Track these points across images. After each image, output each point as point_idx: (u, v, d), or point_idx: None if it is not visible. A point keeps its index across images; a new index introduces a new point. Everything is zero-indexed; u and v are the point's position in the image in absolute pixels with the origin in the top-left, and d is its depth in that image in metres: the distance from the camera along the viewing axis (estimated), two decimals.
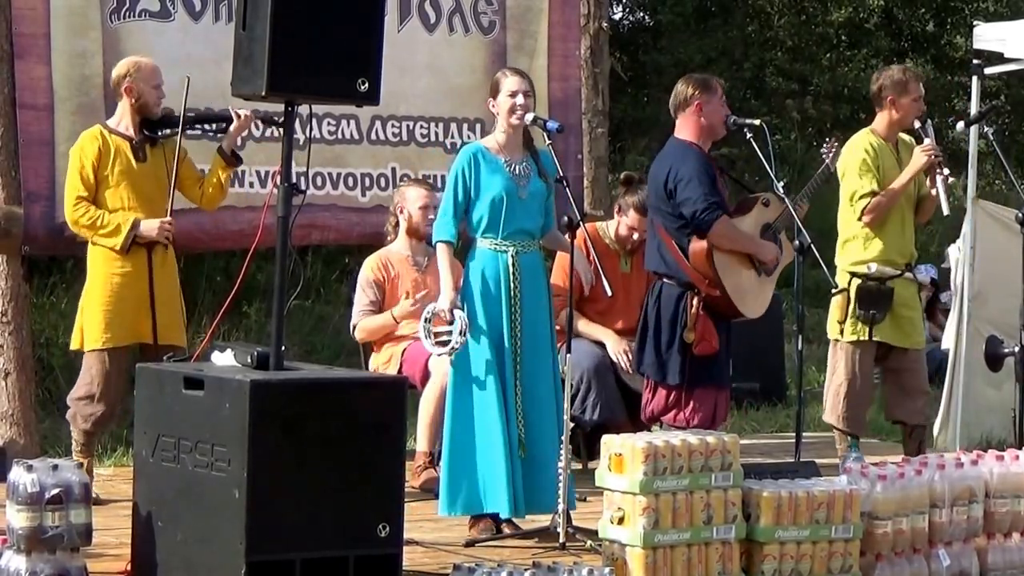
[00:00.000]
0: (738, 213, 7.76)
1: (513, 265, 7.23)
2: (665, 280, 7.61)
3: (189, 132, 8.07)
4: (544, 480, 7.13)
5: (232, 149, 8.05)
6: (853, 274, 8.45)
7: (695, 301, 7.53)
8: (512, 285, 7.23)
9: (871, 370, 8.51)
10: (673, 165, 7.54)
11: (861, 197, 8.40)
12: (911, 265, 8.59)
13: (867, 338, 8.40)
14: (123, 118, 7.92)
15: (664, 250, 7.61)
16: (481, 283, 7.24)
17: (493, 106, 7.36)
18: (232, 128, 7.99)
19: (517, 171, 7.31)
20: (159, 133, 7.93)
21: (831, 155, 8.37)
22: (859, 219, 8.41)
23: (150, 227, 7.78)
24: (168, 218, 7.79)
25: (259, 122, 8.05)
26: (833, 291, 8.38)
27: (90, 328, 7.85)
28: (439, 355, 7.40)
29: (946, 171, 8.36)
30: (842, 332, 8.46)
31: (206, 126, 8.22)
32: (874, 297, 8.38)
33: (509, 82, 7.34)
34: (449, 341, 7.14)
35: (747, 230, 7.72)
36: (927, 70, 19.80)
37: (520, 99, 7.29)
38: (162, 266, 7.88)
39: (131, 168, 7.85)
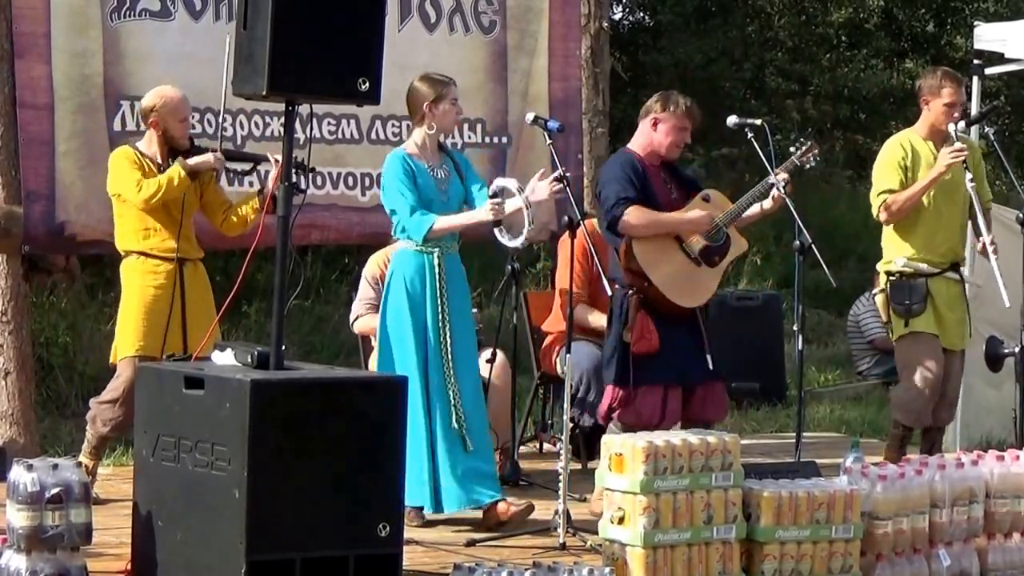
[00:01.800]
0: (671, 208, 7.78)
1: (439, 266, 7.37)
2: (615, 284, 7.67)
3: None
4: (482, 471, 7.37)
5: (274, 196, 7.95)
6: (888, 273, 8.45)
7: (633, 300, 7.59)
8: (439, 285, 7.38)
9: (933, 362, 8.39)
10: (602, 172, 7.70)
11: (879, 194, 8.38)
12: (957, 266, 8.55)
13: (906, 329, 8.39)
14: (151, 145, 7.93)
15: (611, 254, 7.72)
16: (406, 285, 7.39)
17: (431, 110, 7.46)
18: (273, 175, 7.76)
19: (439, 175, 7.50)
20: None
21: (800, 153, 7.95)
22: (877, 216, 8.39)
23: (203, 159, 7.82)
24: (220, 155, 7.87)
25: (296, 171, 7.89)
26: (874, 292, 8.42)
27: (122, 337, 7.87)
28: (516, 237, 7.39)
29: (968, 175, 8.32)
30: (891, 331, 8.47)
31: (234, 164, 8.17)
32: (905, 290, 8.37)
33: (455, 91, 7.52)
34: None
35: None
36: (927, 71, 19.78)
37: (460, 108, 7.58)
38: (193, 280, 7.89)
39: None
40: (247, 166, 8.23)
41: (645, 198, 7.66)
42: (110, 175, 7.89)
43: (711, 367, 7.70)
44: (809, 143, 7.97)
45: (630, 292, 7.62)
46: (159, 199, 7.75)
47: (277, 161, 7.80)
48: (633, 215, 7.59)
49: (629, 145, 7.94)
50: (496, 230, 7.34)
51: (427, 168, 7.46)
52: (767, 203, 7.79)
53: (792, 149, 7.95)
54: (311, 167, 6.88)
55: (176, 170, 7.75)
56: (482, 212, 7.33)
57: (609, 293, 7.59)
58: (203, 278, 8.00)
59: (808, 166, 7.99)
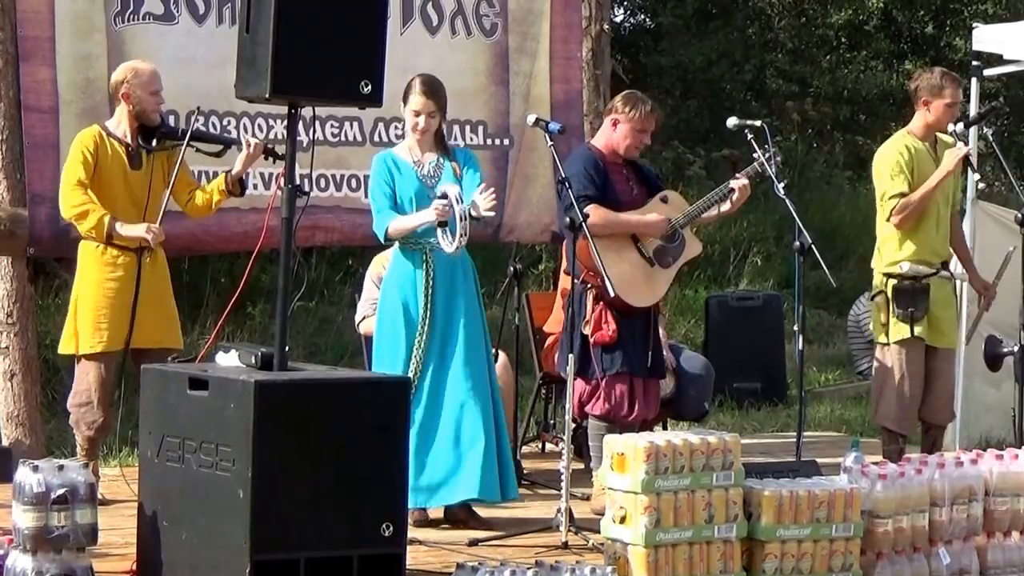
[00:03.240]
0: (630, 208, 7.88)
1: (427, 262, 7.40)
2: (575, 280, 7.71)
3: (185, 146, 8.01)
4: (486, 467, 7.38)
5: (240, 179, 7.98)
6: (888, 275, 8.44)
7: (590, 295, 7.69)
8: (427, 280, 7.40)
9: (920, 369, 8.45)
10: (564, 168, 7.71)
11: (890, 198, 8.36)
12: (946, 264, 8.59)
13: (909, 335, 8.40)
14: (121, 123, 7.88)
15: (567, 249, 7.76)
16: (399, 282, 7.45)
17: (404, 111, 7.56)
18: (242, 157, 7.82)
19: (427, 172, 7.53)
20: (155, 144, 7.86)
21: (761, 160, 7.98)
22: (887, 220, 8.39)
23: (134, 230, 7.67)
24: (156, 225, 7.66)
25: (264, 154, 7.85)
26: (872, 295, 8.43)
27: (84, 333, 7.81)
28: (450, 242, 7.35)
29: (976, 175, 8.37)
30: (887, 334, 8.45)
31: (205, 146, 8.05)
32: (910, 295, 8.37)
33: (412, 101, 7.53)
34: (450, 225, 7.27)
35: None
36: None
37: (421, 120, 7.50)
38: (151, 270, 7.81)
39: (125, 173, 7.81)
40: (217, 148, 8.08)
41: (605, 195, 7.79)
42: (68, 156, 7.84)
43: (649, 364, 7.88)
44: (772, 151, 8.00)
45: (588, 286, 7.71)
46: (71, 216, 7.73)
47: (248, 144, 7.84)
48: (592, 214, 7.65)
49: (593, 141, 8.14)
50: (439, 232, 7.32)
51: (411, 164, 7.51)
52: (724, 206, 7.97)
53: (754, 156, 8.00)
54: (308, 172, 6.88)
55: (104, 223, 7.62)
56: (428, 213, 7.33)
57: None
58: (162, 265, 7.90)
59: (768, 172, 8.00)
